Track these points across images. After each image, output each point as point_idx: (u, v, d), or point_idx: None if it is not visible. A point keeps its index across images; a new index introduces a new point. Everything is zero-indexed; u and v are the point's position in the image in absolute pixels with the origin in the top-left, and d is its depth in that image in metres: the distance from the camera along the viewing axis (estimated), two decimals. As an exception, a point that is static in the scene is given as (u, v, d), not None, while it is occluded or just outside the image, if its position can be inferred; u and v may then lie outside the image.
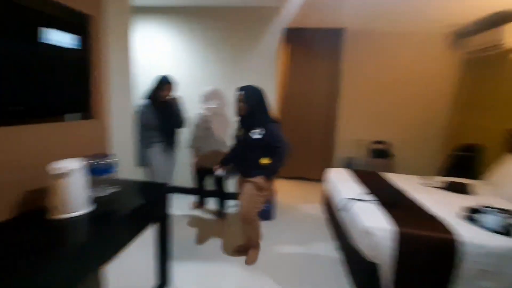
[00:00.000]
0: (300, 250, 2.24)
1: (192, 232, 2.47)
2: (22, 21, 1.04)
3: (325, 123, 4.02)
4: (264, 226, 2.47)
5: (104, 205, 1.19)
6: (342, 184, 2.45)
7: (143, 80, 2.66)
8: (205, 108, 2.55)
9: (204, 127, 2.56)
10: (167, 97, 2.33)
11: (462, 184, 2.37)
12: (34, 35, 1.08)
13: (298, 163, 4.05)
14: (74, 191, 1.05)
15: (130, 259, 1.19)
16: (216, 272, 1.92)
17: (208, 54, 3.07)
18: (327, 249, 2.26)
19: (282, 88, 3.93)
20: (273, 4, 2.79)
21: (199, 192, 2.94)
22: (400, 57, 3.76)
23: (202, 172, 2.74)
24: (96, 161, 1.23)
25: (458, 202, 2.00)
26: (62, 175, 1.01)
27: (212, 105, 2.53)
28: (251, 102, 1.82)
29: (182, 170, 3.07)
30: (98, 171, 1.23)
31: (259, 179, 1.85)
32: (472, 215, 1.69)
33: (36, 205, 1.11)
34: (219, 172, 2.03)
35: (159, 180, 2.33)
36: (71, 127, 1.28)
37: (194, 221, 2.70)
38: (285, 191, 3.64)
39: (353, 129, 3.98)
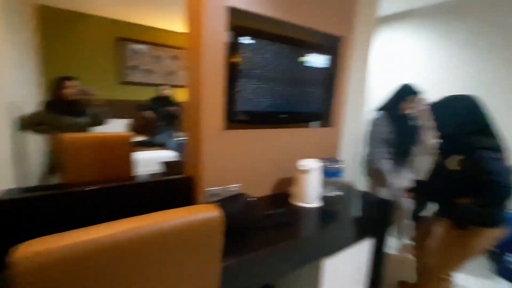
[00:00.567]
0: None
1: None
2: (295, 49, 1.38)
3: None
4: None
5: (330, 204, 1.32)
6: None
7: (379, 91, 2.64)
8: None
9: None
10: (409, 110, 2.03)
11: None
12: (301, 59, 1.40)
13: None
14: (311, 186, 1.26)
15: (345, 261, 1.25)
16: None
17: (470, 56, 2.49)
18: None
19: None
20: None
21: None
22: None
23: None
24: (328, 164, 1.39)
25: None
26: (304, 171, 1.24)
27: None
28: (443, 120, 1.37)
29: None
30: (329, 173, 1.39)
31: (461, 223, 1.32)
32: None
33: (283, 190, 1.46)
34: (403, 197, 1.66)
35: (385, 196, 2.17)
36: (313, 133, 1.54)
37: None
38: None
39: None
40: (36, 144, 2.56)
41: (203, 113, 1.13)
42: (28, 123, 1.74)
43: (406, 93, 1.98)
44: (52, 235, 0.47)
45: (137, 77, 4.11)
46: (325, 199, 1.35)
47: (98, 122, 1.97)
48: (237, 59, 1.17)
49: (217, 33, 1.10)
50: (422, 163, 2.20)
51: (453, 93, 1.40)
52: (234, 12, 1.14)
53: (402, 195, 2.09)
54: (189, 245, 0.60)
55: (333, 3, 1.46)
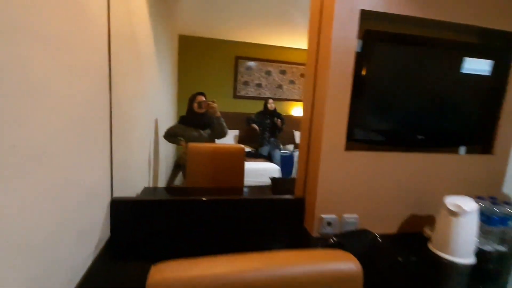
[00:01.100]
0: None
1: None
2: (441, 54, 1.09)
3: None
4: None
5: (488, 262, 0.95)
6: None
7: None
8: None
9: None
10: None
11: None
12: (449, 66, 1.10)
13: None
14: (462, 235, 0.93)
15: None
16: None
17: None
18: None
19: None
20: None
21: None
22: None
23: None
24: (489, 206, 1.02)
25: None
26: (454, 213, 0.93)
27: None
28: None
29: None
30: (490, 219, 1.01)
31: None
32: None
33: (413, 229, 1.16)
34: None
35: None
36: (463, 160, 1.18)
37: None
38: None
39: None
40: (168, 151, 3.08)
41: (325, 130, 1.01)
42: (168, 134, 2.09)
43: None
44: (188, 260, 0.45)
45: (248, 91, 4.45)
46: (480, 254, 0.98)
47: (222, 134, 2.11)
48: (366, 69, 1.01)
49: (347, 41, 0.97)
50: None
51: None
52: (367, 16, 0.98)
53: None
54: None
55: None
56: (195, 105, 2.06)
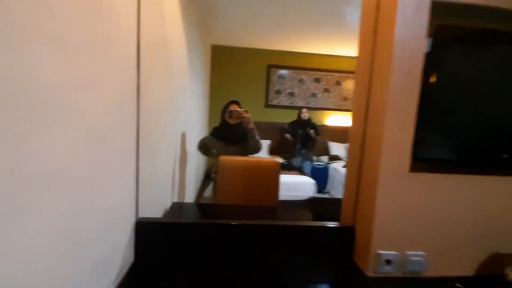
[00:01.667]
0: None
1: None
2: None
3: None
4: None
5: None
6: None
7: None
8: None
9: None
10: None
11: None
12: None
13: None
14: None
15: None
16: None
17: None
18: None
19: None
20: None
21: None
22: None
23: None
24: None
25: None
26: None
27: None
28: None
29: None
30: None
31: None
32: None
33: (496, 270, 0.91)
34: None
35: None
36: None
37: None
38: None
39: None
40: (198, 161, 3.03)
41: (384, 147, 0.83)
42: (199, 146, 1.96)
43: None
44: None
45: (280, 100, 4.31)
46: None
47: (255, 149, 1.83)
48: (437, 72, 0.82)
49: (413, 41, 0.80)
50: None
51: None
52: (440, 8, 0.80)
53: None
54: None
55: None
56: (227, 115, 1.87)
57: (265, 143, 3.96)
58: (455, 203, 0.88)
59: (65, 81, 0.50)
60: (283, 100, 4.37)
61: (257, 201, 1.53)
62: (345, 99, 4.39)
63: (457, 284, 0.85)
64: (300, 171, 3.51)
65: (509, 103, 0.87)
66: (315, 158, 3.89)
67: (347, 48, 3.78)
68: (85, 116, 0.57)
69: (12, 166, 0.38)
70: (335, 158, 4.05)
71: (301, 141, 3.72)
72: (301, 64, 4.26)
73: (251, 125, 1.82)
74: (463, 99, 0.87)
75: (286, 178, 2.95)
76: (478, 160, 0.90)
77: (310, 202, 1.45)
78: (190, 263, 0.87)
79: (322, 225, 0.97)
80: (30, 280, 0.43)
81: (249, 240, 0.91)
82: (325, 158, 4.13)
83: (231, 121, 1.84)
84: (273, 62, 4.22)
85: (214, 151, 1.81)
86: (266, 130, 3.82)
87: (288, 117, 4.08)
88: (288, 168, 3.46)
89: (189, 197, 2.42)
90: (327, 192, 3.81)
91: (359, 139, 0.95)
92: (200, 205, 1.71)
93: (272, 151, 4.00)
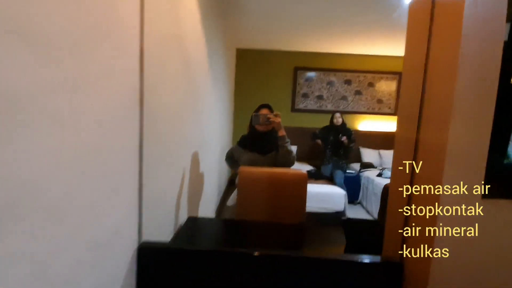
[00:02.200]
0: None
1: None
2: None
3: None
4: None
5: None
6: None
7: None
8: None
9: None
10: None
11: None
12: None
13: None
14: None
15: None
16: None
17: None
18: None
19: None
20: None
21: None
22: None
23: None
24: None
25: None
26: None
27: None
28: None
29: None
30: None
31: None
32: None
33: None
34: None
35: None
36: None
37: None
38: None
39: None
40: (222, 167, 2.92)
41: (448, 162, 0.63)
42: (226, 158, 1.80)
43: None
44: None
45: (307, 104, 4.10)
46: None
47: (286, 162, 1.54)
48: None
49: (488, 26, 0.60)
50: None
51: None
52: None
53: None
54: None
55: None
56: (253, 120, 1.54)
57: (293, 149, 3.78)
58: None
59: (37, 84, 0.39)
60: (311, 104, 4.15)
61: (282, 216, 1.37)
62: (380, 101, 4.06)
63: None
64: (330, 180, 3.26)
65: None
66: (347, 166, 3.60)
67: (382, 46, 3.49)
68: (70, 124, 0.46)
69: None
70: (367, 165, 3.73)
71: (331, 148, 3.47)
72: (329, 65, 4.03)
73: (282, 132, 1.51)
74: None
75: (314, 188, 2.73)
76: None
77: (344, 225, 1.25)
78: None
79: (359, 260, 0.79)
80: None
81: (271, 274, 0.76)
82: (356, 166, 3.83)
83: (260, 128, 1.56)
84: (300, 64, 4.04)
85: (240, 164, 1.58)
86: (293, 135, 3.60)
87: (316, 121, 3.85)
88: (316, 177, 3.23)
89: (210, 207, 2.31)
90: (359, 203, 3.51)
91: (409, 149, 0.76)
92: (218, 222, 1.58)
93: (299, 157, 3.80)
